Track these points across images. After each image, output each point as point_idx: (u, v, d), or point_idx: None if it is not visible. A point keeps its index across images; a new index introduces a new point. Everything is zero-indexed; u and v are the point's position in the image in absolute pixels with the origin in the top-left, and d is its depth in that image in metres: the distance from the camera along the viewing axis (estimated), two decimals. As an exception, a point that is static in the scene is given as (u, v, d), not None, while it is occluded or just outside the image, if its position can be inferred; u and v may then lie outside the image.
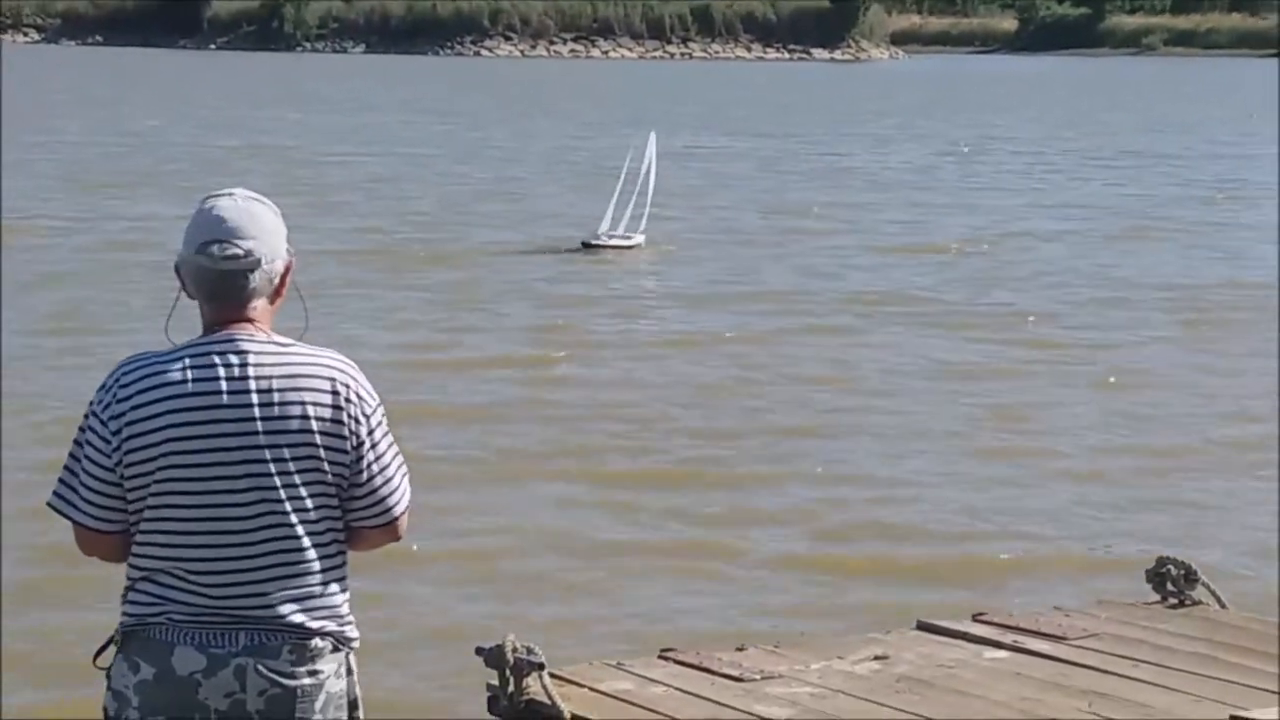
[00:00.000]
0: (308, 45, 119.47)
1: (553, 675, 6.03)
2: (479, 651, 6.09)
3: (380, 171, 36.17)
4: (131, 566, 4.03)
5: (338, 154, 39.96)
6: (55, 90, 61.15)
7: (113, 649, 4.04)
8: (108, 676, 4.03)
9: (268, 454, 3.94)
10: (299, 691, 3.96)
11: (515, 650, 5.97)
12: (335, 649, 4.03)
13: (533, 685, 5.98)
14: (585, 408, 14.98)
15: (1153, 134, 52.79)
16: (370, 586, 9.46)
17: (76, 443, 4.02)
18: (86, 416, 4.00)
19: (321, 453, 3.97)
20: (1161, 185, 36.77)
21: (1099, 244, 26.72)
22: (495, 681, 6.04)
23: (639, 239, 24.88)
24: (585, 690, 6.16)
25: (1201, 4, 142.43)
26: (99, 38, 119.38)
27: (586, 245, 24.61)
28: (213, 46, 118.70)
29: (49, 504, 4.08)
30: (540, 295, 20.93)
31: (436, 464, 12.55)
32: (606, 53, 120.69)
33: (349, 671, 4.08)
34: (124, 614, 4.02)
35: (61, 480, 4.05)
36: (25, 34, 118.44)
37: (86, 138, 42.68)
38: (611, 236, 24.74)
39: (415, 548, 10.17)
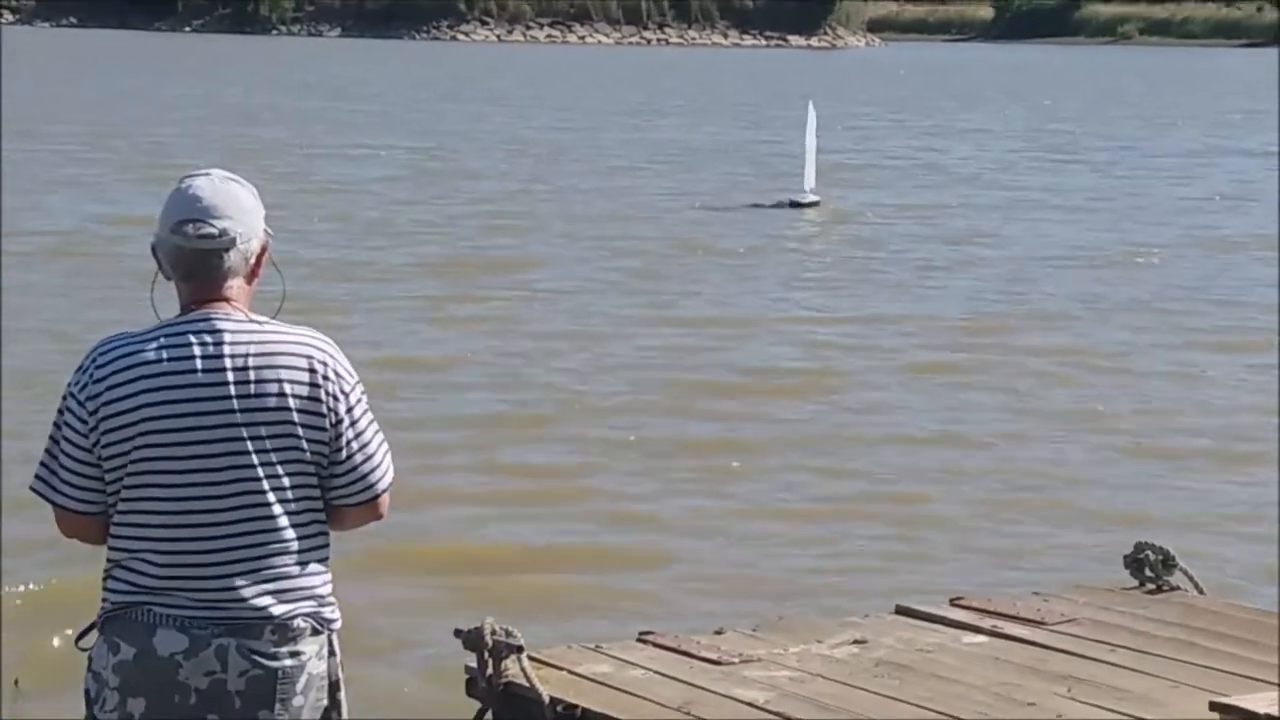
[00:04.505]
0: (283, 28, 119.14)
1: (531, 658, 6.02)
2: (458, 634, 6.08)
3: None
4: (110, 549, 4.01)
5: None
6: (42, 77, 60.78)
7: (95, 632, 4.03)
8: (89, 659, 4.02)
9: (244, 432, 3.91)
10: (280, 673, 3.94)
11: (494, 633, 5.96)
12: (316, 631, 4.01)
13: (511, 668, 5.96)
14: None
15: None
16: (349, 568, 9.45)
17: (55, 425, 4.01)
18: (64, 399, 3.99)
19: (299, 430, 3.94)
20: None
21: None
22: (474, 664, 6.02)
23: (816, 196, 29.13)
24: (564, 673, 6.15)
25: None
26: (73, 19, 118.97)
27: (794, 204, 28.90)
28: (188, 29, 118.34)
29: (31, 488, 4.07)
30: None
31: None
32: (583, 38, 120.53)
33: (331, 653, 4.06)
34: (103, 598, 4.01)
35: (42, 463, 4.04)
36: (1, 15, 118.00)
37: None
38: (806, 195, 29.00)
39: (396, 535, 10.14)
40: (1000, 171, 36.95)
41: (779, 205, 28.98)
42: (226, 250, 3.95)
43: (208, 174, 4.03)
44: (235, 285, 3.98)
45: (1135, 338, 18.13)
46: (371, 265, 21.77)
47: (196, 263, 3.95)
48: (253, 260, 4.01)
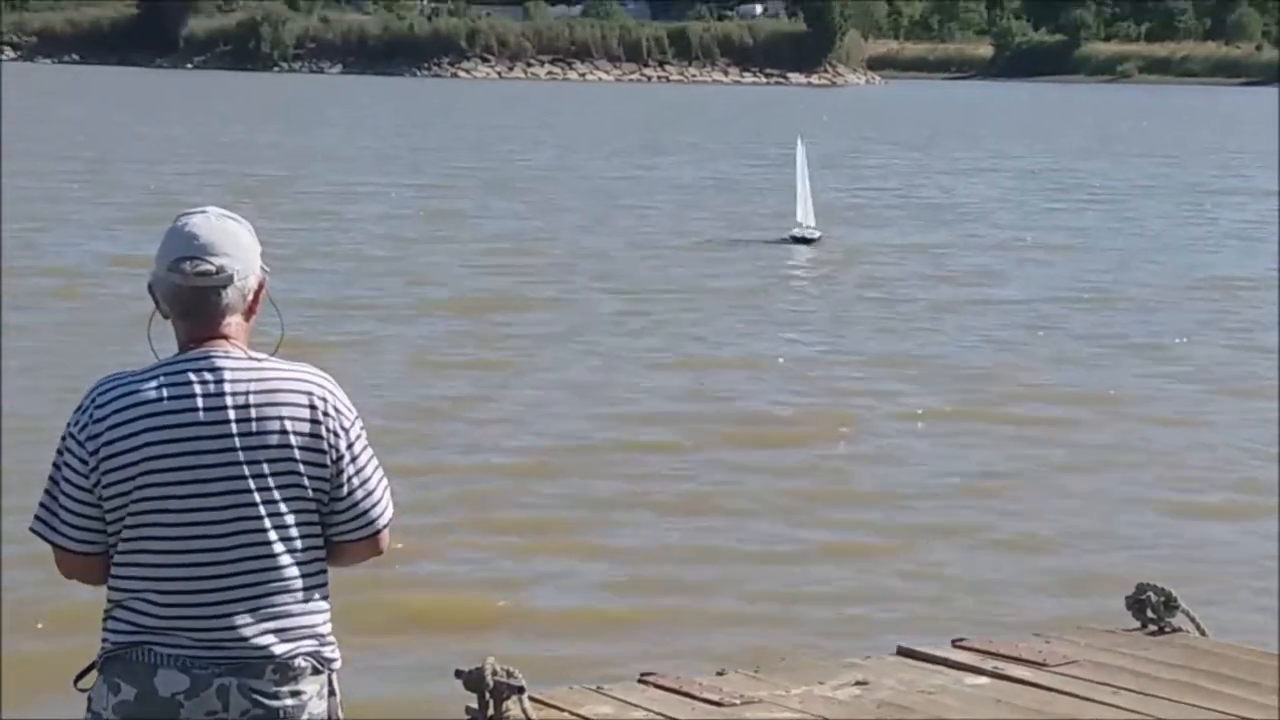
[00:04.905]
0: (285, 65, 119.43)
1: (533, 699, 6.00)
2: (459, 674, 6.06)
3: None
4: (111, 589, 3.99)
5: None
6: (43, 114, 60.86)
7: (95, 672, 4.01)
8: (89, 700, 4.00)
9: (247, 470, 3.90)
10: (281, 712, 3.93)
11: (495, 673, 5.94)
12: (316, 670, 4.00)
13: (512, 709, 5.94)
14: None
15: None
16: (351, 602, 9.43)
17: (55, 465, 3.99)
18: (64, 439, 3.97)
19: (301, 468, 3.93)
20: None
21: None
22: (474, 705, 6.00)
23: (818, 232, 29.27)
24: (565, 714, 6.13)
25: (1176, 32, 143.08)
26: (75, 56, 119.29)
27: (796, 239, 28.98)
28: (189, 65, 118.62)
29: (31, 529, 4.04)
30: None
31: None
32: (584, 75, 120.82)
33: (331, 693, 4.04)
34: (104, 638, 3.99)
35: (42, 504, 4.01)
36: (1, 52, 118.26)
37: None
38: (809, 230, 29.06)
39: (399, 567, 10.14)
40: (1004, 210, 37.01)
41: (782, 241, 29.13)
42: (224, 287, 3.95)
43: (204, 211, 4.03)
44: (233, 323, 3.98)
45: (1140, 381, 18.10)
46: (372, 306, 21.77)
47: (194, 300, 3.95)
48: (250, 297, 4.01)
